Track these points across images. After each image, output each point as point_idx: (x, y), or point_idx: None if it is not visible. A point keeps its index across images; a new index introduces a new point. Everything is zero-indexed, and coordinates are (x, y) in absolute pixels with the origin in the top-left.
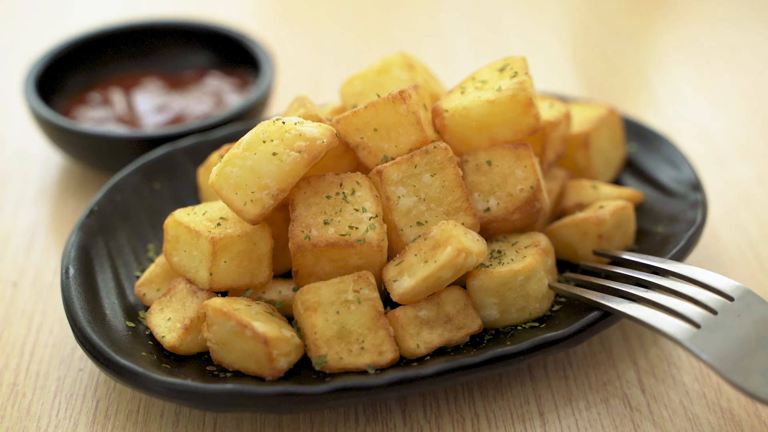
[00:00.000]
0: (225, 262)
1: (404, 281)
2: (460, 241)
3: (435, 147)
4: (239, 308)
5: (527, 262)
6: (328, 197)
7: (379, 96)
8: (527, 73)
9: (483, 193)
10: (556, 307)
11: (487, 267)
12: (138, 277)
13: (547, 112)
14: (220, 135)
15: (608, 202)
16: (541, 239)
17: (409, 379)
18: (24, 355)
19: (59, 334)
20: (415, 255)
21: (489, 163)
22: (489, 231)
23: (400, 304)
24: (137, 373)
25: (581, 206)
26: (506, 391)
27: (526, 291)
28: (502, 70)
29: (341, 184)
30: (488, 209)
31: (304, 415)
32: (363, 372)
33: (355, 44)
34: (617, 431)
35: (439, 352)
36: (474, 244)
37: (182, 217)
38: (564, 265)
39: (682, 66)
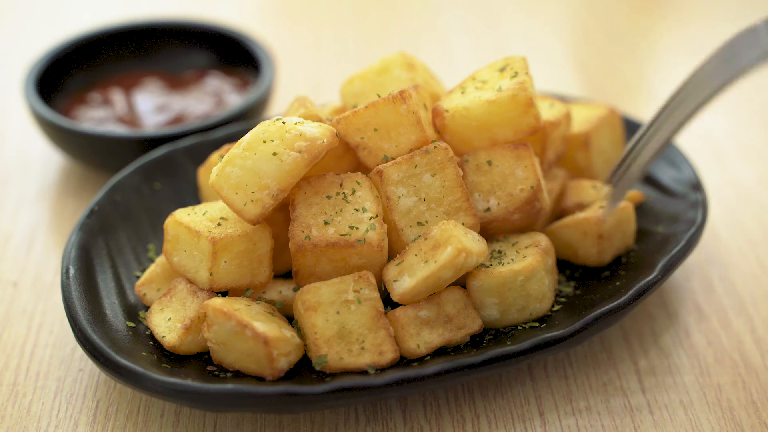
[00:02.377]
0: (225, 262)
1: (404, 281)
2: (460, 241)
3: (435, 147)
4: (239, 308)
5: (527, 262)
6: (329, 197)
7: (379, 96)
8: (527, 73)
9: (483, 193)
10: (556, 307)
11: (488, 267)
12: (138, 277)
13: (548, 112)
14: (220, 135)
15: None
16: (542, 239)
17: (409, 379)
18: (24, 355)
19: (59, 334)
20: (416, 255)
21: (489, 163)
22: (489, 231)
23: (401, 304)
24: (137, 373)
25: (581, 206)
26: (506, 391)
27: (527, 291)
28: (502, 70)
29: (341, 184)
30: (488, 209)
31: (304, 415)
32: (363, 372)
33: (355, 44)
34: (617, 431)
35: (440, 352)
36: (474, 244)
37: (182, 217)
38: (564, 264)
39: (682, 66)
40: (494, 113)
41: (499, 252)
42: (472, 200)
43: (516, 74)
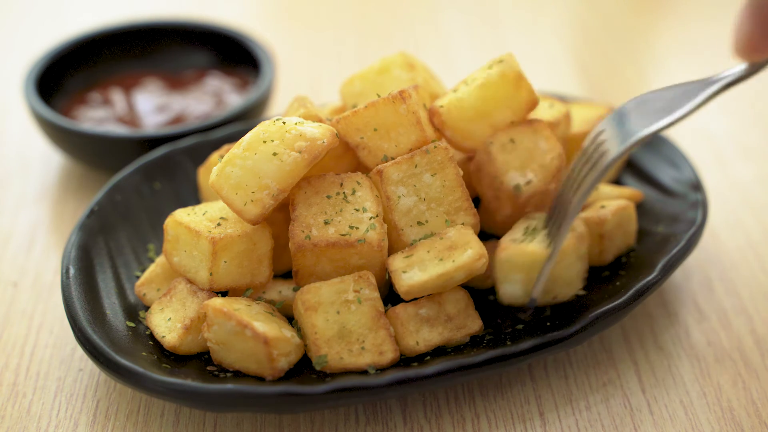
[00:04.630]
0: (225, 262)
1: (415, 274)
2: (481, 246)
3: (435, 147)
4: (239, 308)
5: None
6: (329, 197)
7: (379, 96)
8: (513, 59)
9: (518, 169)
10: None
11: (520, 242)
12: (138, 277)
13: (547, 112)
14: (220, 135)
15: (609, 202)
16: (579, 224)
17: (409, 379)
18: (24, 355)
19: (59, 334)
20: (428, 252)
21: (512, 141)
22: (526, 209)
23: (399, 303)
24: (137, 373)
25: (583, 206)
26: (506, 391)
27: (555, 274)
28: (490, 67)
29: (342, 184)
30: (530, 181)
31: (304, 415)
32: (363, 372)
33: (356, 44)
34: (617, 431)
35: (440, 352)
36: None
37: (182, 217)
38: None
39: (682, 66)
40: (488, 97)
41: (534, 229)
42: (509, 178)
43: (502, 61)
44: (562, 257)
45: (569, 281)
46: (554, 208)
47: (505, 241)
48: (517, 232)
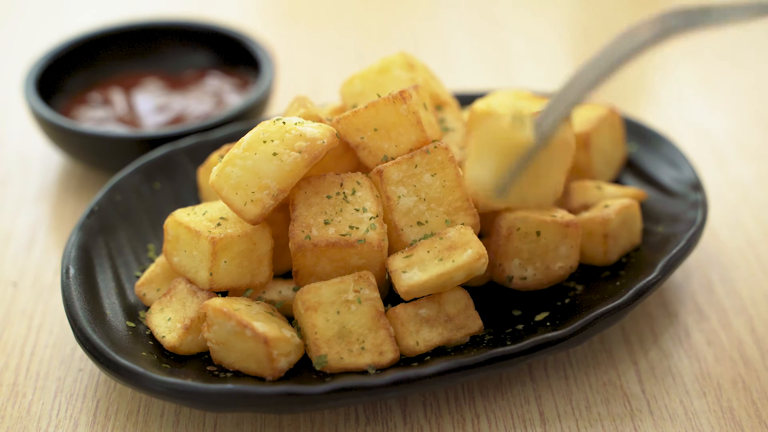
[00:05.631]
0: (225, 262)
1: (415, 274)
2: (481, 246)
3: (435, 147)
4: (239, 308)
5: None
6: (329, 197)
7: (379, 96)
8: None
9: (522, 261)
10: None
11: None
12: (138, 277)
13: None
14: (220, 135)
15: (613, 201)
16: (568, 132)
17: (409, 379)
18: (24, 355)
19: (59, 334)
20: (428, 252)
21: (538, 233)
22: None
23: (399, 303)
24: (137, 373)
25: (586, 207)
26: (506, 391)
27: (529, 174)
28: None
29: (342, 184)
30: (524, 278)
31: (304, 415)
32: (363, 372)
33: (356, 44)
34: (617, 431)
35: (440, 352)
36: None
37: (182, 217)
38: None
39: (682, 66)
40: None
41: (521, 120)
42: (509, 265)
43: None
44: (545, 153)
45: (543, 187)
46: (550, 104)
47: (489, 120)
48: (504, 118)
